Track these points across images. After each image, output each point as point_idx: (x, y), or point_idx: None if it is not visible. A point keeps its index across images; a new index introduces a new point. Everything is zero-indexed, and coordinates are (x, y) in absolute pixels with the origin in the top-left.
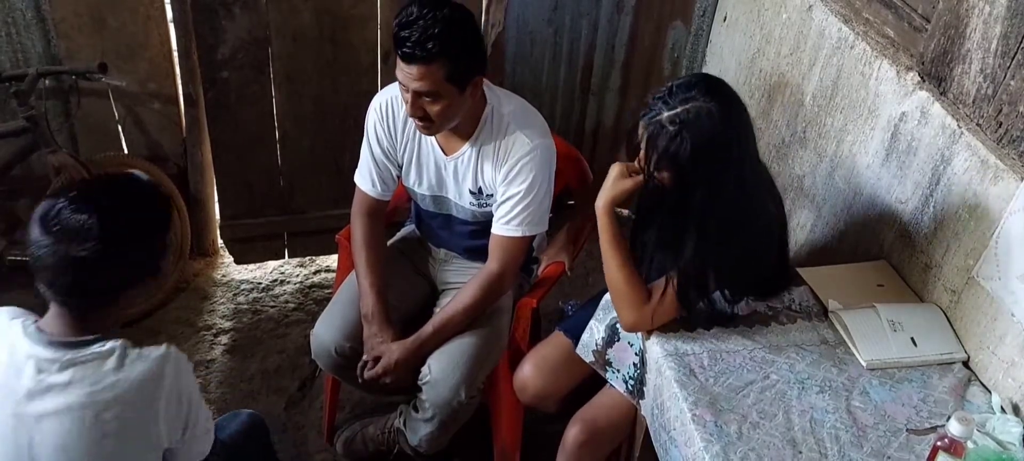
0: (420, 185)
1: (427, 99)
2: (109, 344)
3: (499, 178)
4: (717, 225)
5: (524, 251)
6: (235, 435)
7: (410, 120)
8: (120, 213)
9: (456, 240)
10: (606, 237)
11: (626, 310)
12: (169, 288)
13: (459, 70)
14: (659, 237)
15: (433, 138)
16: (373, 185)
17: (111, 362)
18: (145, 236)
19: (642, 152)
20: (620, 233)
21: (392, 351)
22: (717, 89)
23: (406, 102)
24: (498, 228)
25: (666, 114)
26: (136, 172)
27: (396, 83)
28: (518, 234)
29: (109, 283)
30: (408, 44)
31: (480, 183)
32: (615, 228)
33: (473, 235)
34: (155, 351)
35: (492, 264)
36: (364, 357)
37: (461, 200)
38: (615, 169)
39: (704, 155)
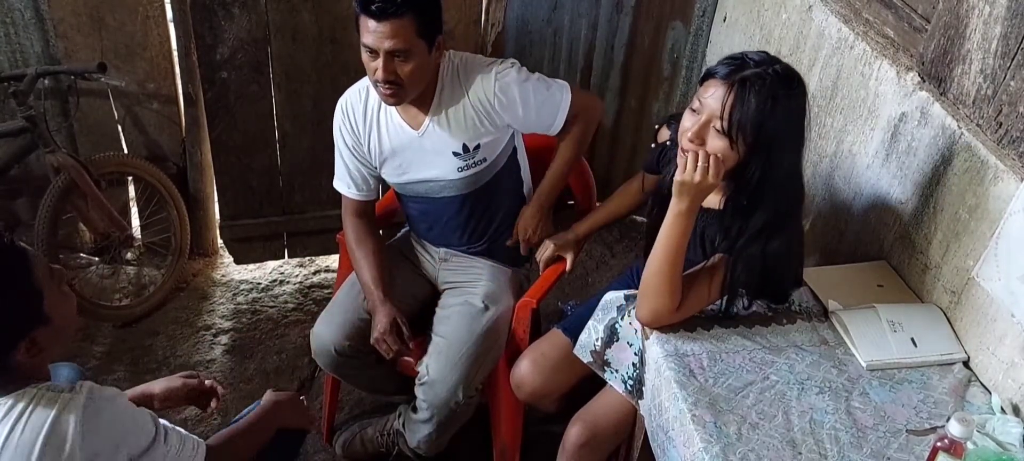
0: (402, 173)
1: (399, 58)
2: (6, 400)
3: (496, 116)
4: (789, 198)
5: (578, 107)
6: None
7: (369, 110)
8: None
9: (451, 226)
10: (680, 235)
11: (662, 299)
12: (169, 288)
13: (428, 24)
14: (724, 213)
15: (399, 118)
16: (349, 186)
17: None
18: None
19: (722, 115)
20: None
21: (524, 212)
22: (783, 61)
23: (373, 70)
24: (553, 130)
25: (752, 71)
26: None
27: (355, 85)
28: (563, 115)
29: None
30: (378, 0)
31: (463, 140)
32: (691, 226)
33: (467, 212)
34: (49, 409)
35: (573, 140)
36: (376, 335)
37: (446, 172)
38: (697, 177)
39: (791, 116)
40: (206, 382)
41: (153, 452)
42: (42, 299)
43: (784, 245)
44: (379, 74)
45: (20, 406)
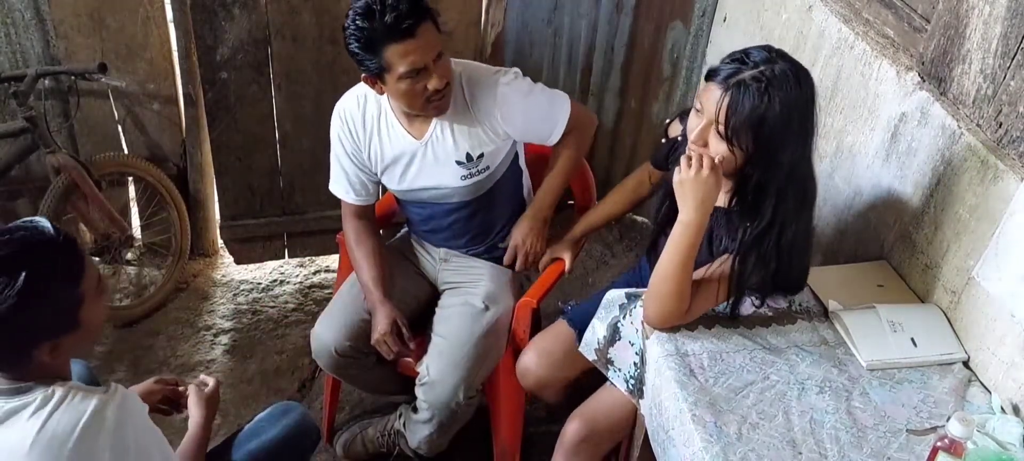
0: (403, 181)
1: (442, 61)
2: (35, 394)
3: (498, 125)
4: (797, 192)
5: (575, 120)
6: (277, 441)
7: (368, 117)
8: (9, 272)
9: (452, 231)
10: (689, 245)
11: (672, 303)
12: (169, 288)
13: (436, 23)
14: (730, 212)
15: (400, 127)
16: (347, 192)
17: (28, 412)
18: (40, 294)
19: (718, 119)
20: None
21: (520, 225)
22: (789, 56)
23: (424, 85)
24: (550, 141)
25: (748, 73)
26: (39, 221)
27: (351, 91)
28: (561, 127)
29: (9, 342)
30: (406, 18)
31: (467, 150)
32: (701, 236)
33: (470, 218)
34: (89, 400)
35: (570, 151)
36: (377, 336)
37: (449, 180)
38: (691, 173)
39: (790, 117)
40: (179, 389)
41: None
42: (81, 305)
43: (796, 238)
44: (437, 82)
45: (57, 397)
